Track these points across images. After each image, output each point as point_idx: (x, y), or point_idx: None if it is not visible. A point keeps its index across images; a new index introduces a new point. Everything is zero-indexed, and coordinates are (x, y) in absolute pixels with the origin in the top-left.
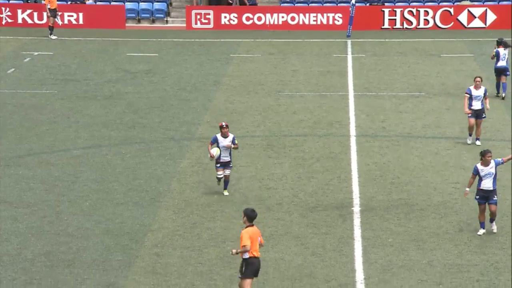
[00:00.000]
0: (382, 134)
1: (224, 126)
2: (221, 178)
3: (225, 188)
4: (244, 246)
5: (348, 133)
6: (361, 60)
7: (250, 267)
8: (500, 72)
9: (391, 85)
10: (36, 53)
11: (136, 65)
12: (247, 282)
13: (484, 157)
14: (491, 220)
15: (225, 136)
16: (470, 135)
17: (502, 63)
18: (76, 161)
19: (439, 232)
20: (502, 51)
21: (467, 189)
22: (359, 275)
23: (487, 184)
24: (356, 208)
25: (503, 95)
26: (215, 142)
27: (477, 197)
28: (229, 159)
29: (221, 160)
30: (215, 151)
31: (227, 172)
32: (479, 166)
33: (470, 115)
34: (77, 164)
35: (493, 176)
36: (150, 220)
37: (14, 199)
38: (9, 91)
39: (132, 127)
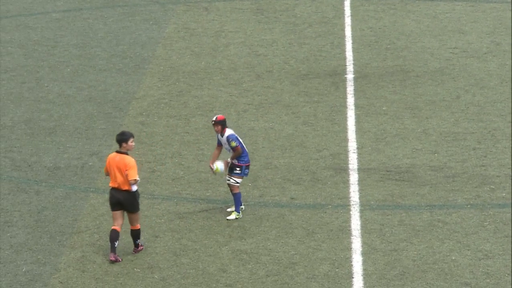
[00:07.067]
0: None
1: (212, 122)
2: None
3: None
4: None
5: None
6: None
7: (109, 199)
8: None
9: None
10: None
11: None
12: (112, 214)
13: None
14: None
15: (221, 134)
16: None
17: None
18: (56, 24)
19: (435, 99)
20: None
21: None
22: (352, 144)
23: None
24: (350, 75)
25: None
26: (219, 144)
27: None
28: (236, 162)
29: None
30: (216, 166)
31: (231, 181)
32: None
33: None
34: (57, 28)
35: None
36: (134, 88)
37: None
38: None
39: None
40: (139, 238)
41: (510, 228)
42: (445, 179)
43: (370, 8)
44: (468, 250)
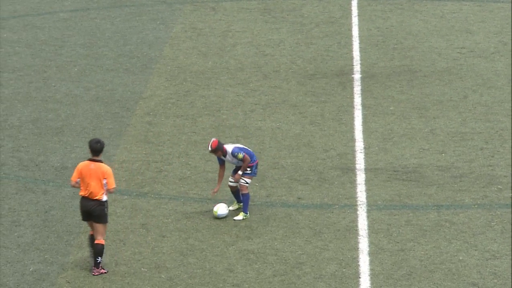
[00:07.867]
0: None
1: (209, 150)
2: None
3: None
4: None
5: None
6: None
7: (80, 208)
8: None
9: None
10: None
11: None
12: (88, 224)
13: None
14: None
15: (224, 155)
16: None
17: None
18: (63, 24)
19: (443, 99)
20: None
21: None
22: (359, 144)
23: None
24: (357, 75)
25: None
26: (222, 163)
27: None
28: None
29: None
30: (217, 209)
31: (241, 181)
32: None
33: None
34: (64, 27)
35: None
36: (141, 88)
37: None
38: None
39: None
40: (101, 256)
41: None
42: (452, 179)
43: (377, 8)
44: (476, 250)
